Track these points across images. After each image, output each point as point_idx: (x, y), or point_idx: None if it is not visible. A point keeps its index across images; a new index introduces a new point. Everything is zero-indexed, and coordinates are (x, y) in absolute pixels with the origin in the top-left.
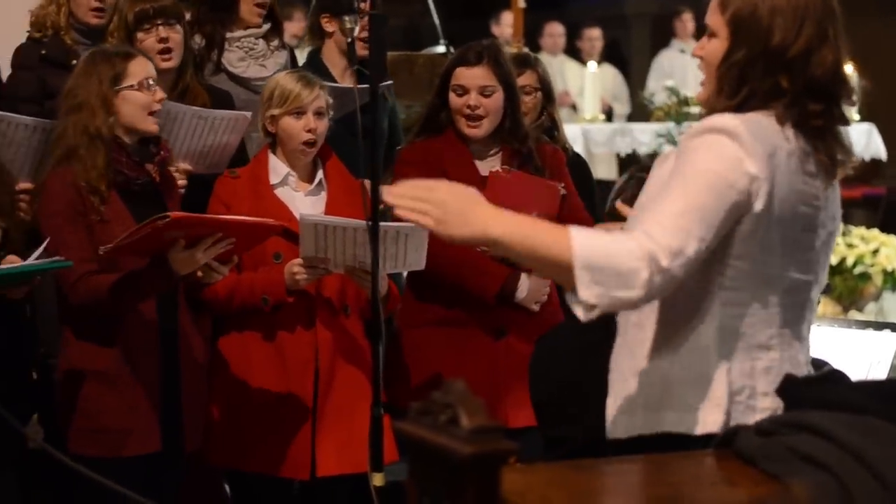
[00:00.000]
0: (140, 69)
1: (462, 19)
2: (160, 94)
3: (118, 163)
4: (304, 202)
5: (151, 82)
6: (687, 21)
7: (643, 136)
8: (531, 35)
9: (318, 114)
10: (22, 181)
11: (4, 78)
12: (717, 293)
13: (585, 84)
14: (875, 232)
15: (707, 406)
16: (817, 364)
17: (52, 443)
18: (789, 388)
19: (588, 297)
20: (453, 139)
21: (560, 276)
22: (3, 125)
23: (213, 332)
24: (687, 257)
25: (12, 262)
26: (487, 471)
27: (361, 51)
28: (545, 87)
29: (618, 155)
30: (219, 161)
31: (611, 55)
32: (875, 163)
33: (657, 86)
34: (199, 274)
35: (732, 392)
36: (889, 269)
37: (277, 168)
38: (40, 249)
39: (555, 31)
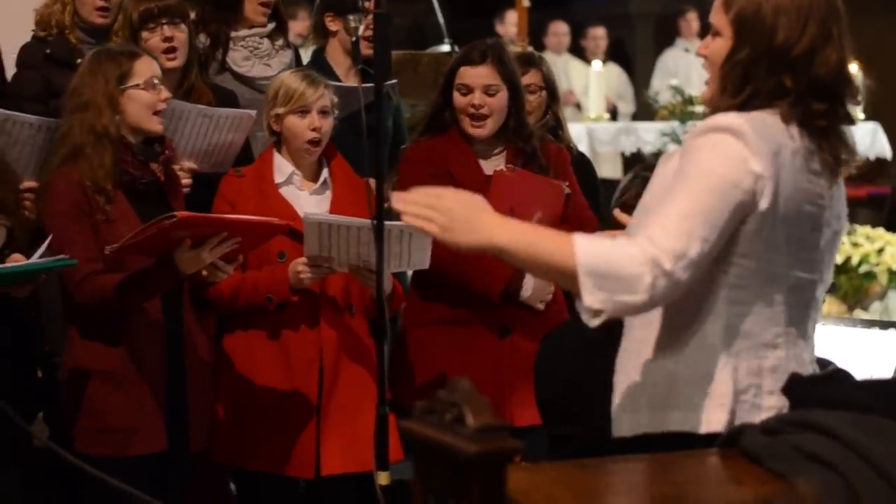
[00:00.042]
0: (145, 68)
1: (466, 18)
2: (165, 93)
3: (123, 162)
4: (309, 201)
5: (157, 82)
6: (691, 20)
7: (648, 135)
8: (535, 34)
9: (323, 113)
10: (26, 180)
11: (9, 77)
12: (723, 292)
13: (590, 83)
14: (880, 231)
15: (712, 405)
16: (822, 363)
17: (57, 442)
18: (795, 386)
19: (592, 302)
20: (457, 138)
21: (565, 283)
22: (9, 124)
23: (218, 331)
24: (690, 260)
25: (17, 260)
26: (493, 469)
27: (366, 50)
28: (550, 86)
29: (622, 154)
30: (223, 160)
31: (615, 54)
32: (880, 162)
33: (662, 85)
34: (204, 273)
35: (738, 391)
36: (894, 267)
37: (282, 167)
38: (43, 248)
39: (559, 30)
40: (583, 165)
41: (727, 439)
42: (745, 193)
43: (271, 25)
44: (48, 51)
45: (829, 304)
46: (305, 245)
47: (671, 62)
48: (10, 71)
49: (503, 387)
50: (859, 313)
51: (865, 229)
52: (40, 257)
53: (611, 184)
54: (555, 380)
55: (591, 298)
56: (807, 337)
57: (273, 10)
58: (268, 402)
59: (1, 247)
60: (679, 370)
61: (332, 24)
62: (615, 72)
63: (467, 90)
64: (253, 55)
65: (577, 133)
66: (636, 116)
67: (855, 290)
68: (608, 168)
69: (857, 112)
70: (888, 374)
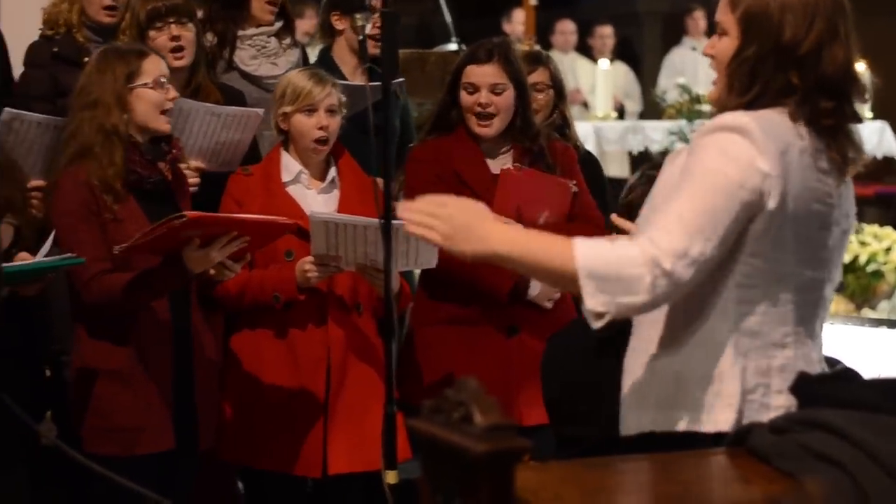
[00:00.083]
0: (153, 67)
1: (474, 17)
2: (173, 92)
3: (131, 161)
4: (317, 200)
5: (164, 81)
6: (699, 19)
7: (655, 134)
8: (543, 33)
9: (331, 111)
10: (34, 178)
11: (16, 76)
12: (731, 291)
13: (597, 82)
14: (888, 230)
15: (720, 405)
16: (830, 362)
17: (65, 440)
18: (803, 385)
19: (595, 305)
20: (464, 137)
21: (568, 287)
22: (16, 123)
23: (226, 330)
24: (693, 259)
25: (24, 259)
26: (501, 469)
27: (373, 49)
28: (557, 85)
29: (630, 153)
30: (231, 159)
31: (622, 53)
32: (888, 161)
33: (669, 83)
34: (212, 272)
35: (746, 390)
36: None
37: (290, 166)
38: (47, 246)
39: (566, 29)
40: (590, 164)
41: (735, 438)
42: (750, 193)
43: (279, 24)
44: (55, 49)
45: (837, 303)
46: (312, 244)
47: (678, 61)
48: (17, 70)
49: (511, 386)
50: (867, 312)
51: (873, 228)
52: (45, 256)
53: (618, 183)
54: (562, 379)
55: (593, 302)
56: (815, 336)
57: (280, 8)
58: (275, 401)
59: (8, 245)
60: (687, 369)
61: (339, 23)
62: (622, 70)
63: (474, 89)
64: (260, 54)
65: (585, 132)
66: (643, 115)
67: (863, 288)
68: (615, 167)
69: (865, 111)
70: None
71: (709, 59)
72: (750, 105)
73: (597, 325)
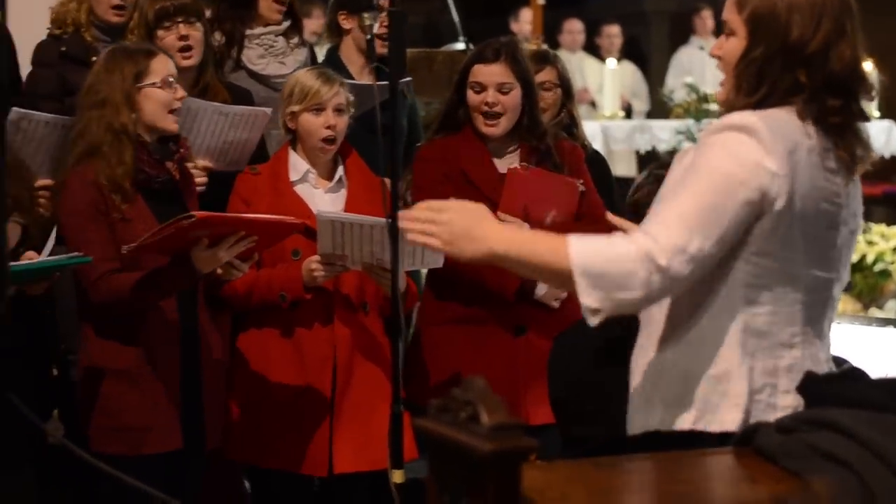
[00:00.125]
0: (162, 67)
1: (481, 16)
2: (181, 92)
3: (139, 161)
4: (324, 199)
5: (172, 80)
6: (706, 18)
7: (662, 133)
8: (550, 32)
9: (338, 111)
10: (41, 178)
11: (24, 76)
12: (739, 291)
13: (604, 81)
14: (895, 229)
15: (727, 405)
16: (837, 362)
17: (73, 439)
18: (810, 385)
19: (590, 302)
20: (471, 136)
21: (567, 285)
22: (24, 122)
23: (233, 330)
24: (690, 255)
25: (30, 258)
26: (507, 468)
27: (380, 48)
28: (565, 84)
29: (637, 152)
30: (239, 158)
31: (630, 52)
32: (895, 160)
33: (676, 83)
34: (219, 271)
35: (753, 390)
36: None
37: (297, 165)
38: (50, 244)
39: (574, 28)
40: (597, 163)
41: (742, 438)
42: (754, 192)
43: (286, 23)
44: (63, 49)
45: (845, 303)
46: (319, 243)
47: (686, 60)
48: (25, 69)
49: (518, 385)
50: (874, 312)
51: (881, 227)
52: (48, 254)
53: (625, 182)
54: (568, 379)
55: (588, 298)
56: (823, 336)
57: (288, 8)
58: (282, 400)
59: (16, 244)
60: (694, 369)
61: (346, 23)
62: (630, 70)
63: (481, 88)
64: (268, 53)
65: (592, 131)
66: (651, 114)
67: (870, 288)
68: (623, 166)
69: (873, 110)
70: None
71: (715, 59)
72: (758, 105)
73: (593, 321)
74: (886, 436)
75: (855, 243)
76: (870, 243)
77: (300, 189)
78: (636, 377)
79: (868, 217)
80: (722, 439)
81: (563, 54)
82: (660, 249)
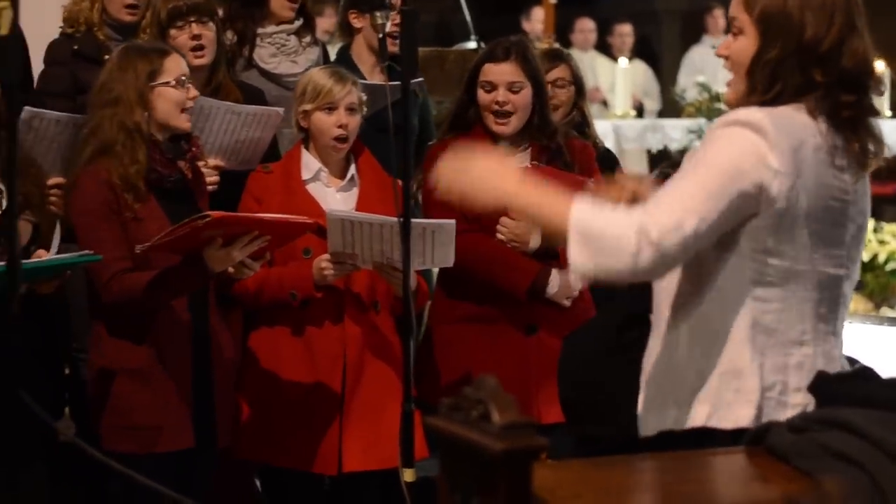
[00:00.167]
0: (175, 66)
1: (493, 15)
2: (193, 91)
3: (152, 160)
4: (336, 198)
5: (185, 79)
6: (718, 17)
7: (674, 133)
8: (562, 31)
9: (350, 110)
10: (53, 176)
11: (36, 75)
12: (748, 289)
13: (616, 80)
14: None
15: (739, 401)
16: (849, 361)
17: (84, 438)
18: (821, 384)
19: (577, 260)
20: (482, 136)
21: (563, 242)
22: (36, 121)
23: (244, 329)
24: (683, 235)
25: (41, 256)
26: (519, 467)
27: (392, 47)
28: (577, 82)
29: (648, 151)
30: (251, 157)
31: (641, 51)
32: None
33: (688, 82)
34: (231, 270)
35: (765, 387)
36: None
37: (309, 164)
38: (56, 242)
39: (585, 27)
40: (608, 162)
41: (753, 437)
42: (751, 185)
43: (298, 22)
44: (76, 47)
45: (856, 302)
46: (329, 241)
47: (698, 59)
48: (37, 68)
49: (529, 384)
50: (886, 311)
51: (892, 227)
52: (55, 252)
53: None
54: (578, 379)
55: (578, 257)
56: (836, 333)
57: (300, 7)
58: (292, 399)
59: (27, 243)
60: (706, 366)
61: (357, 21)
62: (641, 69)
63: (491, 87)
64: (280, 52)
65: (604, 130)
66: (662, 113)
67: (881, 287)
68: (634, 165)
69: (885, 109)
70: None
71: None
72: (769, 103)
73: (579, 283)
74: None
75: (864, 240)
76: (881, 242)
77: (312, 188)
78: (648, 378)
79: (880, 216)
80: (734, 436)
81: (574, 53)
82: (654, 224)
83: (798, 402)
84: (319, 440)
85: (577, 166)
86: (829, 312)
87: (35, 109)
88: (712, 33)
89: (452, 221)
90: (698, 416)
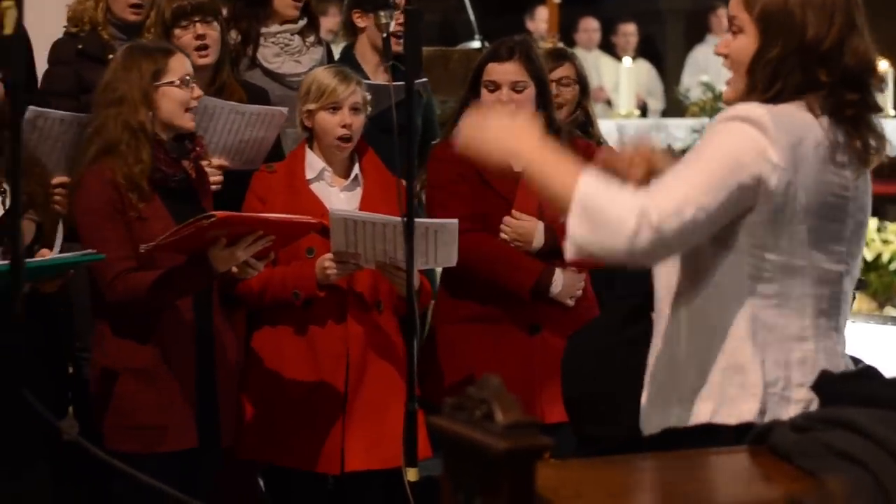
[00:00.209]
0: (179, 66)
1: (497, 15)
2: (198, 91)
3: (156, 160)
4: (340, 197)
5: (189, 79)
6: (722, 16)
7: (678, 132)
8: (566, 30)
9: (355, 109)
10: (58, 175)
11: (40, 74)
12: (747, 284)
13: (620, 79)
14: None
15: (742, 396)
16: (852, 360)
17: (88, 437)
18: (825, 384)
19: (575, 232)
20: None
21: (565, 212)
22: (40, 120)
23: (248, 329)
24: (682, 221)
25: (44, 256)
26: (522, 466)
27: (396, 46)
28: (582, 81)
29: None
30: (254, 157)
31: (646, 50)
32: None
33: (692, 81)
34: (235, 270)
35: (767, 383)
36: None
37: (313, 163)
38: (59, 241)
39: (589, 27)
40: None
41: (757, 437)
42: (751, 177)
43: (302, 22)
44: (80, 47)
45: (860, 302)
46: (332, 241)
47: (701, 58)
48: (41, 67)
49: (533, 383)
50: (889, 310)
51: None
52: (58, 251)
53: None
54: (581, 378)
55: (576, 229)
56: (838, 329)
57: (304, 6)
58: (295, 398)
59: (30, 242)
60: (709, 362)
61: (360, 21)
62: (645, 68)
63: (495, 87)
64: (283, 52)
65: (607, 129)
66: (666, 113)
67: (885, 287)
68: None
69: (889, 107)
70: None
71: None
72: (768, 101)
73: (570, 254)
74: None
75: (864, 236)
76: (885, 242)
77: (316, 187)
78: (651, 376)
79: (884, 216)
80: (738, 432)
81: (578, 53)
82: (655, 207)
83: (801, 397)
84: (322, 440)
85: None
86: (830, 308)
87: (39, 109)
88: (716, 33)
89: (455, 221)
90: (702, 413)
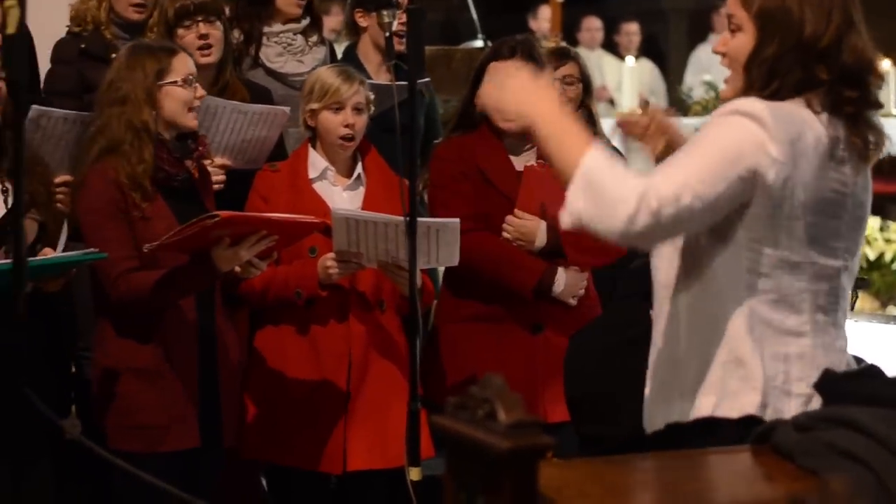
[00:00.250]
0: (183, 65)
1: (500, 14)
2: (201, 90)
3: (159, 159)
4: (343, 196)
5: (192, 79)
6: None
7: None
8: (569, 29)
9: (358, 109)
10: (61, 174)
11: (43, 74)
12: (745, 279)
13: (623, 78)
14: None
15: (744, 389)
16: (855, 359)
17: (91, 436)
18: (827, 383)
19: (574, 204)
20: (488, 134)
21: (567, 181)
22: (43, 119)
23: (250, 328)
24: (679, 207)
25: (47, 254)
26: (525, 465)
27: (398, 45)
28: (585, 79)
29: None
30: (257, 156)
31: (648, 50)
32: None
33: (695, 80)
34: (238, 270)
35: (768, 376)
36: None
37: (316, 162)
38: (62, 240)
39: (592, 26)
40: None
41: (759, 436)
42: (749, 170)
43: (305, 21)
44: (83, 46)
45: (862, 301)
46: (334, 240)
47: (704, 58)
48: (44, 67)
49: (536, 383)
50: (892, 310)
51: None
52: (62, 251)
53: None
54: (584, 378)
55: (576, 201)
56: (836, 325)
57: (307, 5)
58: (298, 398)
59: (32, 241)
60: (708, 357)
61: (363, 20)
62: (648, 67)
63: None
64: (286, 51)
65: (610, 128)
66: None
67: (888, 286)
68: (641, 164)
69: (891, 106)
70: None
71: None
72: (767, 98)
73: (565, 224)
74: None
75: (863, 233)
76: (888, 241)
77: (319, 186)
78: (653, 373)
79: (886, 215)
80: (741, 425)
81: (581, 52)
82: (655, 192)
83: (801, 391)
84: (325, 439)
85: None
86: (828, 304)
87: (42, 108)
88: (719, 32)
89: (457, 220)
90: (704, 407)
